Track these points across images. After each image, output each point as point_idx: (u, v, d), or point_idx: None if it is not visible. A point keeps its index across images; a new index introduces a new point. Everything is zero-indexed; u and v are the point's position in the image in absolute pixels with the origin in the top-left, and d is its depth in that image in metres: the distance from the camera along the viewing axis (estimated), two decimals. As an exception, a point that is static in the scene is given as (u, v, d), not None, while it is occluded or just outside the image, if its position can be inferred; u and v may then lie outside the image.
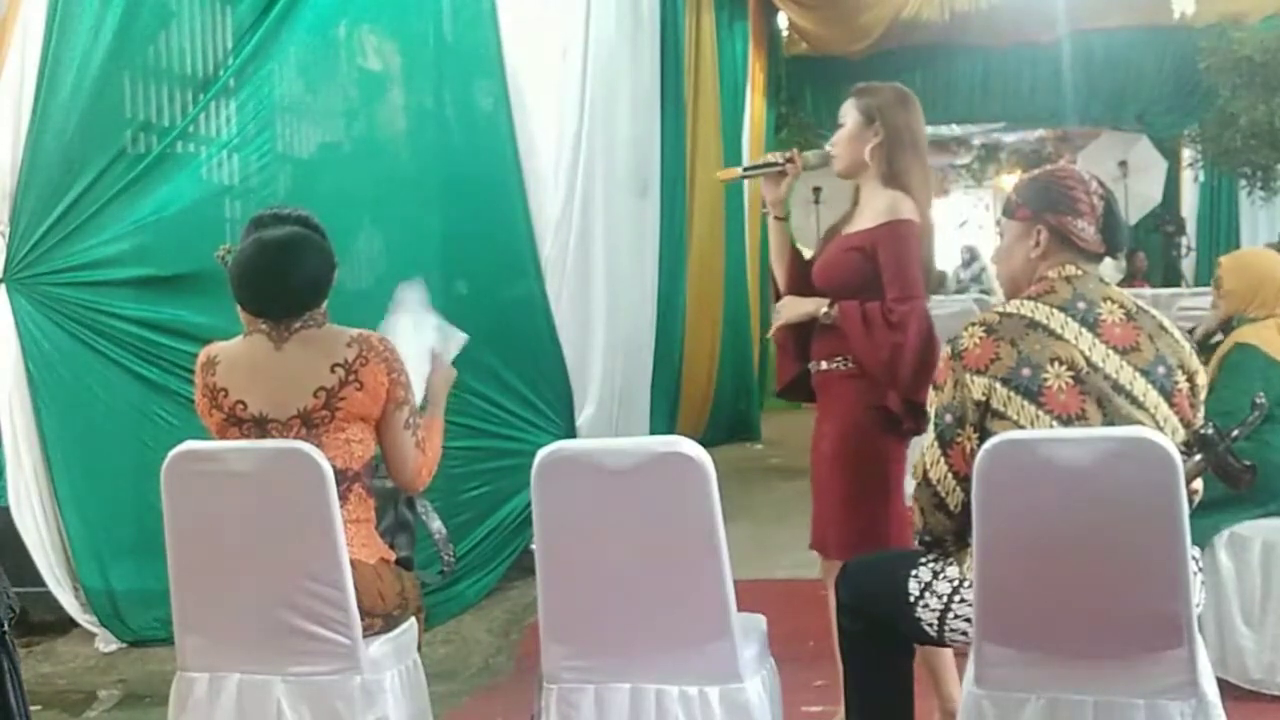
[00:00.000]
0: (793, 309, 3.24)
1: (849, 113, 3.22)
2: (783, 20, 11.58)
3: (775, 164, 3.32)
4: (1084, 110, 12.06)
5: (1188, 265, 12.80)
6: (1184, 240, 12.99)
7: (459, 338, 3.12)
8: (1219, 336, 3.98)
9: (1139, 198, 12.42)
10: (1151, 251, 12.85)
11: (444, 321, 3.11)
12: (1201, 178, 13.09)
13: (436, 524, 3.11)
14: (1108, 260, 2.59)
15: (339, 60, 4.81)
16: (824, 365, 3.20)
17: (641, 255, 6.91)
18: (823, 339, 3.19)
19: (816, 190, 12.47)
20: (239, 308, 2.82)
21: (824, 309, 3.14)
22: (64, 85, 4.29)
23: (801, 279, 3.29)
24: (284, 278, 2.70)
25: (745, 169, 3.56)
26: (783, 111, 12.51)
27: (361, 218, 4.67)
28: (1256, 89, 10.24)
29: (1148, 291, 9.43)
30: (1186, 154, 12.91)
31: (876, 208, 3.14)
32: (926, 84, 11.64)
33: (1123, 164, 12.24)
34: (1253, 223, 12.71)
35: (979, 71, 12.14)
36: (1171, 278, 12.19)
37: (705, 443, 2.66)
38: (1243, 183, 11.46)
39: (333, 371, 2.67)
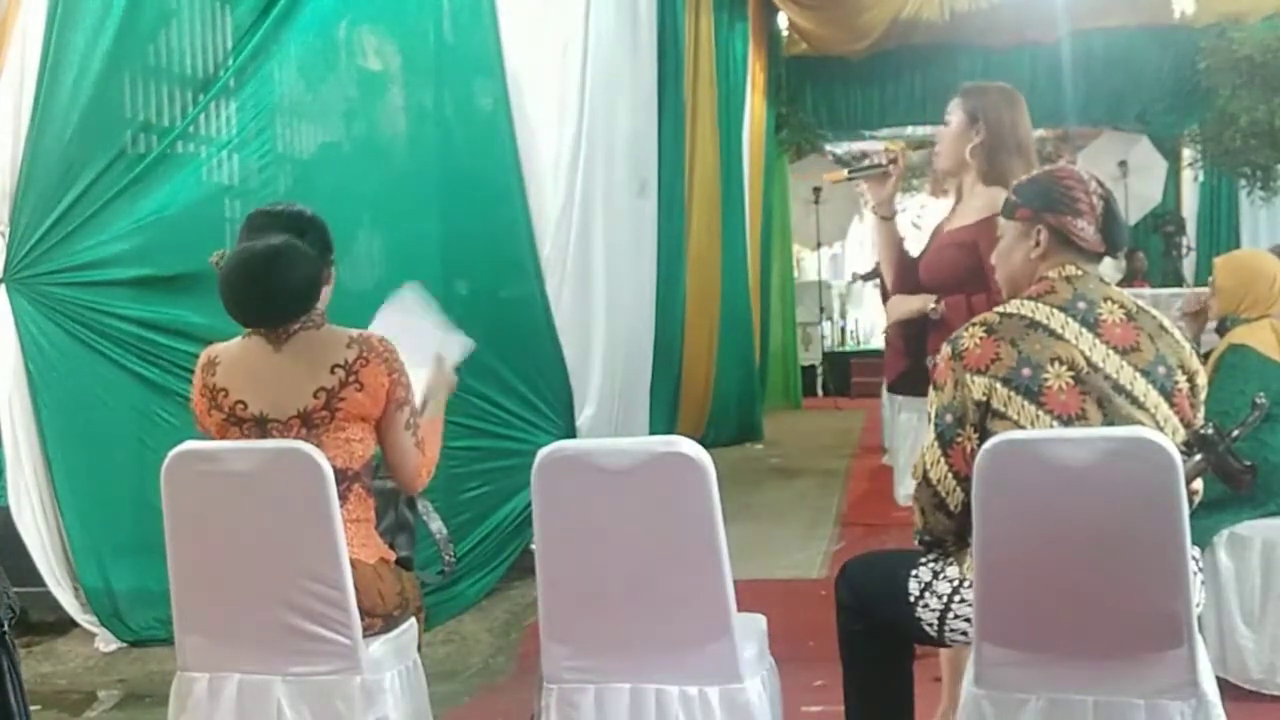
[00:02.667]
0: (900, 308, 3.32)
1: (954, 112, 3.27)
2: (783, 20, 11.58)
3: (879, 165, 3.38)
4: (1084, 110, 12.06)
5: (1188, 265, 12.79)
6: (1184, 240, 12.98)
7: (465, 343, 3.11)
8: (1213, 338, 3.98)
9: (1139, 198, 12.41)
10: (1151, 251, 12.84)
11: (450, 325, 3.10)
12: (1201, 178, 13.09)
13: (437, 524, 3.11)
14: (1107, 260, 2.60)
15: (339, 60, 4.80)
16: (937, 359, 3.23)
17: (640, 255, 6.91)
18: (937, 334, 3.21)
19: (816, 190, 12.47)
20: None
21: (931, 305, 3.21)
22: (64, 85, 4.29)
23: (909, 277, 3.35)
24: (268, 292, 2.67)
25: (850, 171, 3.56)
26: (783, 111, 12.52)
27: (361, 218, 4.66)
28: (1256, 89, 10.26)
29: (1148, 291, 9.43)
30: (1186, 154, 12.91)
31: (976, 204, 3.20)
32: (926, 84, 11.65)
33: (1123, 164, 12.24)
34: (1253, 223, 12.70)
35: (979, 71, 12.09)
36: (1171, 278, 12.18)
37: (706, 443, 2.66)
38: (1243, 183, 11.47)
39: (332, 372, 2.67)
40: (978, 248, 3.12)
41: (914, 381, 3.35)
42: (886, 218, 3.41)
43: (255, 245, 2.69)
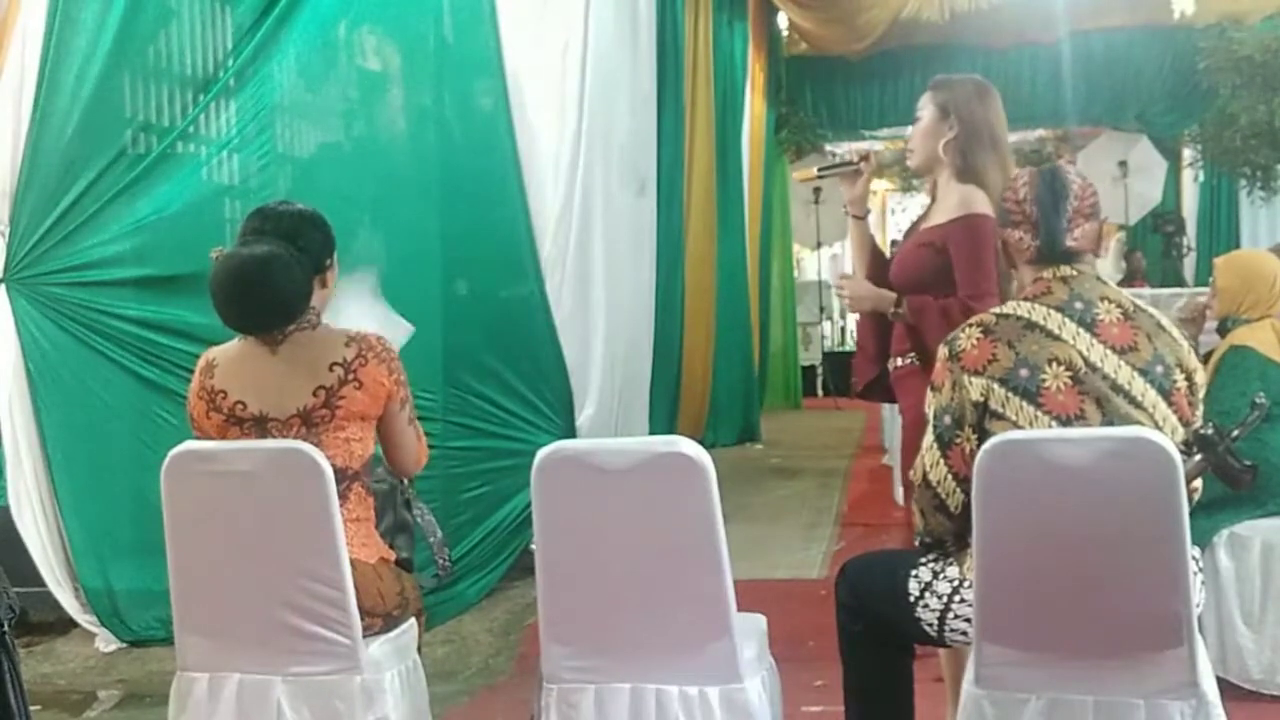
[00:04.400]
0: (856, 288, 3.21)
1: (925, 107, 3.20)
2: (783, 20, 11.59)
3: (850, 163, 3.32)
4: (1084, 110, 12.06)
5: (1188, 265, 12.79)
6: (1184, 240, 12.98)
7: (405, 328, 3.13)
8: (1213, 338, 3.97)
9: (1139, 198, 12.42)
10: (1151, 251, 12.85)
11: (391, 311, 3.12)
12: (1201, 178, 13.10)
13: (433, 527, 3.12)
14: (1108, 260, 2.60)
15: (339, 60, 4.81)
16: (899, 361, 3.19)
17: (639, 255, 6.91)
18: (899, 336, 3.18)
19: (816, 190, 12.47)
20: None
21: (892, 307, 3.12)
22: (64, 85, 4.29)
23: (881, 278, 3.27)
24: (255, 303, 2.67)
25: (820, 169, 3.49)
26: (783, 111, 12.52)
27: (361, 218, 4.66)
28: (1256, 89, 10.27)
29: (1147, 291, 9.44)
30: (1186, 154, 12.91)
31: (949, 203, 3.12)
32: (926, 84, 11.61)
33: (1123, 164, 12.25)
34: (1253, 223, 12.70)
35: (979, 71, 12.06)
36: (1171, 278, 12.18)
37: (706, 443, 2.66)
38: (1243, 183, 11.47)
39: (331, 370, 2.67)
40: (947, 249, 3.06)
41: (882, 389, 3.30)
42: (858, 217, 3.33)
43: (243, 253, 2.67)
